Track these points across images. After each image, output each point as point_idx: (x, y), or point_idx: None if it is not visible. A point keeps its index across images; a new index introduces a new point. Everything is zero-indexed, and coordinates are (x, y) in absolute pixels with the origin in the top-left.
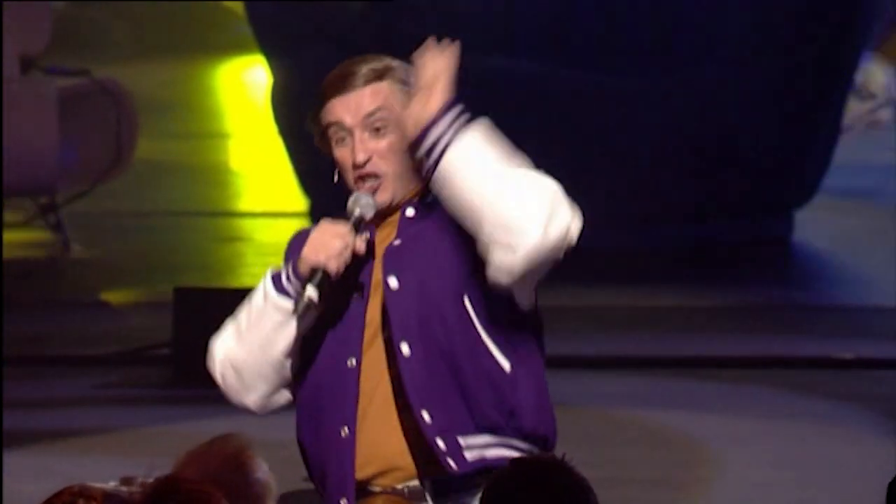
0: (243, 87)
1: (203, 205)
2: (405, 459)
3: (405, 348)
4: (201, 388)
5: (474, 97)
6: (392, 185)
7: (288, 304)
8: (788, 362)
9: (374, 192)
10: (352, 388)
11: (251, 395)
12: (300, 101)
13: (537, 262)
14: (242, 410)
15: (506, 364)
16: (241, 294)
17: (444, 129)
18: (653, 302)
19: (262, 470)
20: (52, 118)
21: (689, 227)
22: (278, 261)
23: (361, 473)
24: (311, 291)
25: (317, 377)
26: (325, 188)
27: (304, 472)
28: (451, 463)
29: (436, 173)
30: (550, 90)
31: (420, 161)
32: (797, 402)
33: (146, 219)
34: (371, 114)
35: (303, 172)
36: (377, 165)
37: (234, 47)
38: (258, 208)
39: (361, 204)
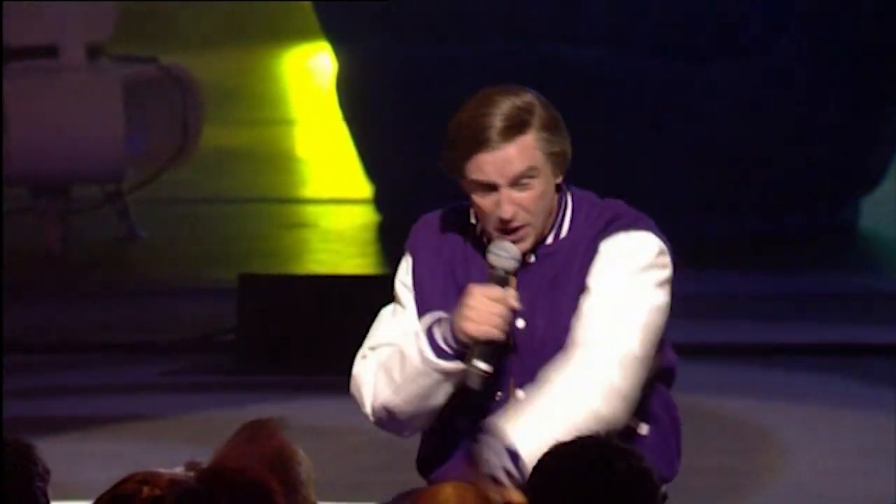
0: (309, 74)
1: (268, 191)
2: None
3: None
4: (265, 375)
5: (538, 85)
6: (533, 233)
7: (449, 364)
8: (857, 350)
9: (516, 241)
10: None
11: (407, 432)
12: (365, 88)
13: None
14: (305, 397)
15: (643, 427)
16: (306, 281)
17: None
18: (720, 289)
19: (306, 465)
20: (118, 105)
21: (753, 216)
22: (343, 247)
23: None
24: (483, 366)
25: (468, 409)
26: (389, 174)
27: (369, 458)
28: None
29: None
30: (615, 79)
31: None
32: (867, 390)
33: (211, 205)
34: (521, 175)
35: (367, 159)
36: (523, 218)
37: (300, 34)
38: (323, 195)
39: (508, 257)
